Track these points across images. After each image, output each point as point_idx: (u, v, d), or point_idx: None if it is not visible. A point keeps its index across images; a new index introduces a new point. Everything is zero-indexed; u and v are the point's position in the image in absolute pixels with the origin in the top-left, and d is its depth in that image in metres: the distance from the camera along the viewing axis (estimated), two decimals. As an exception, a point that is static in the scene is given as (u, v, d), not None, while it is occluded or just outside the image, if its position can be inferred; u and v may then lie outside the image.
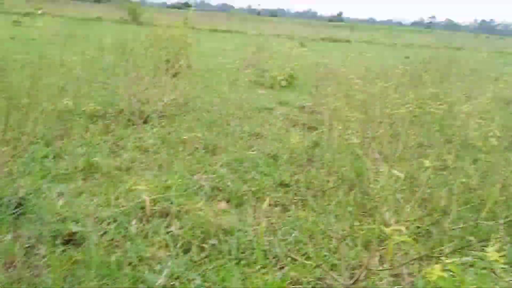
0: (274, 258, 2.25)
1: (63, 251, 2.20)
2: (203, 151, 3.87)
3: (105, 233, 2.38)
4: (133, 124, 4.50)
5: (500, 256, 1.60)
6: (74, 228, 2.36)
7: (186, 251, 2.29)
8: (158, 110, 4.96)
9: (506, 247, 2.20)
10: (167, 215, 2.62)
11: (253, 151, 3.91)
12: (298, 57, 9.20)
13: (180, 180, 3.09)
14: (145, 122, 4.67)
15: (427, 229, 2.49)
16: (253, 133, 4.50)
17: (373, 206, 2.56)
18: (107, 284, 1.98)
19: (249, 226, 2.52)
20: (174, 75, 6.45)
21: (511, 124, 4.59)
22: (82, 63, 6.14)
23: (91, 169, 3.28)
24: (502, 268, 1.66)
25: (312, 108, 5.86)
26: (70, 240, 2.32)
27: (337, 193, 3.07)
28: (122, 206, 2.66)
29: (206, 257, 2.23)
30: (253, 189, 3.05)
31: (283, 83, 7.25)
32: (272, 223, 2.62)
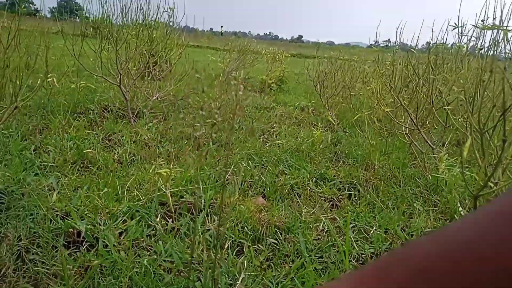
0: (358, 262, 1.73)
1: (70, 254, 1.59)
2: (213, 146, 3.32)
3: (123, 231, 1.78)
4: (122, 120, 3.88)
5: None
6: (80, 226, 1.74)
7: (238, 253, 1.73)
8: (149, 106, 4.39)
9: None
10: (200, 211, 2.04)
11: (269, 146, 3.39)
12: (280, 64, 8.82)
13: (200, 172, 2.52)
14: (136, 117, 4.09)
15: None
16: (263, 129, 4.00)
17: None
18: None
19: (307, 223, 1.99)
20: (158, 77, 5.90)
21: None
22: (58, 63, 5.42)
23: (85, 162, 2.66)
24: None
25: (312, 109, 5.45)
26: (75, 241, 1.70)
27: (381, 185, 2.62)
28: (138, 200, 2.06)
29: (268, 260, 1.68)
30: (291, 182, 2.53)
31: (274, 86, 6.82)
32: (333, 219, 2.11)
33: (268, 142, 3.58)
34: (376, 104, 3.02)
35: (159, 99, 4.72)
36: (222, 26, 57.84)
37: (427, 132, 2.86)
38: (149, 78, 4.89)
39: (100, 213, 1.89)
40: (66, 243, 1.69)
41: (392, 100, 2.84)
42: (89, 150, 2.74)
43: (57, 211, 1.89)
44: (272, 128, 4.13)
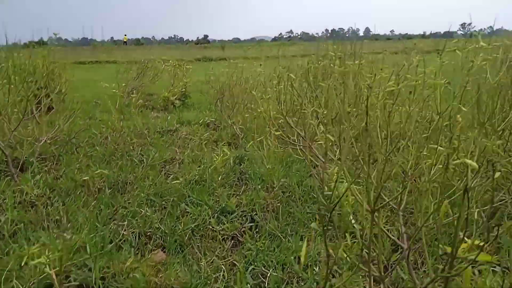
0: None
1: None
2: (109, 191, 3.12)
3: None
4: (5, 177, 3.48)
5: None
6: None
7: (132, 335, 1.62)
8: (36, 153, 4.01)
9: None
10: (90, 288, 1.88)
11: (172, 180, 3.28)
12: (182, 77, 8.63)
13: (91, 235, 2.34)
14: (21, 170, 3.70)
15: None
16: (165, 160, 3.86)
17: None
18: None
19: (206, 278, 1.93)
20: (47, 111, 5.43)
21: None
22: None
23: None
24: None
25: (217, 123, 5.41)
26: None
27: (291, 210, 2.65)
28: (17, 290, 1.85)
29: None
30: (191, 225, 2.45)
31: (177, 103, 6.67)
32: (233, 265, 2.07)
33: (170, 174, 3.46)
34: (267, 128, 3.06)
35: (48, 141, 4.34)
36: (125, 35, 55.66)
37: (320, 146, 2.94)
38: (34, 120, 4.47)
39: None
40: None
41: (283, 120, 2.88)
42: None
43: None
44: (176, 156, 4.00)
